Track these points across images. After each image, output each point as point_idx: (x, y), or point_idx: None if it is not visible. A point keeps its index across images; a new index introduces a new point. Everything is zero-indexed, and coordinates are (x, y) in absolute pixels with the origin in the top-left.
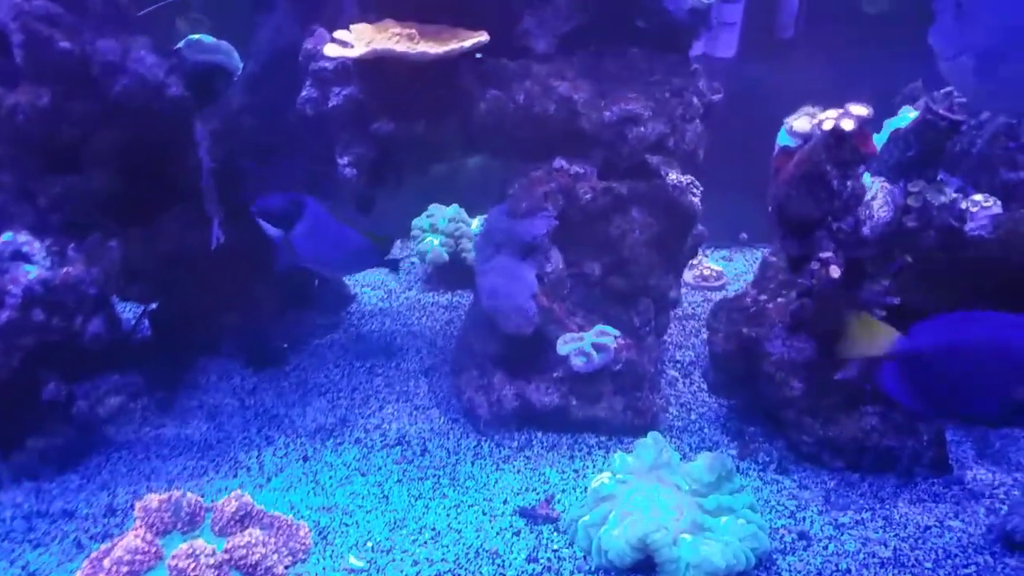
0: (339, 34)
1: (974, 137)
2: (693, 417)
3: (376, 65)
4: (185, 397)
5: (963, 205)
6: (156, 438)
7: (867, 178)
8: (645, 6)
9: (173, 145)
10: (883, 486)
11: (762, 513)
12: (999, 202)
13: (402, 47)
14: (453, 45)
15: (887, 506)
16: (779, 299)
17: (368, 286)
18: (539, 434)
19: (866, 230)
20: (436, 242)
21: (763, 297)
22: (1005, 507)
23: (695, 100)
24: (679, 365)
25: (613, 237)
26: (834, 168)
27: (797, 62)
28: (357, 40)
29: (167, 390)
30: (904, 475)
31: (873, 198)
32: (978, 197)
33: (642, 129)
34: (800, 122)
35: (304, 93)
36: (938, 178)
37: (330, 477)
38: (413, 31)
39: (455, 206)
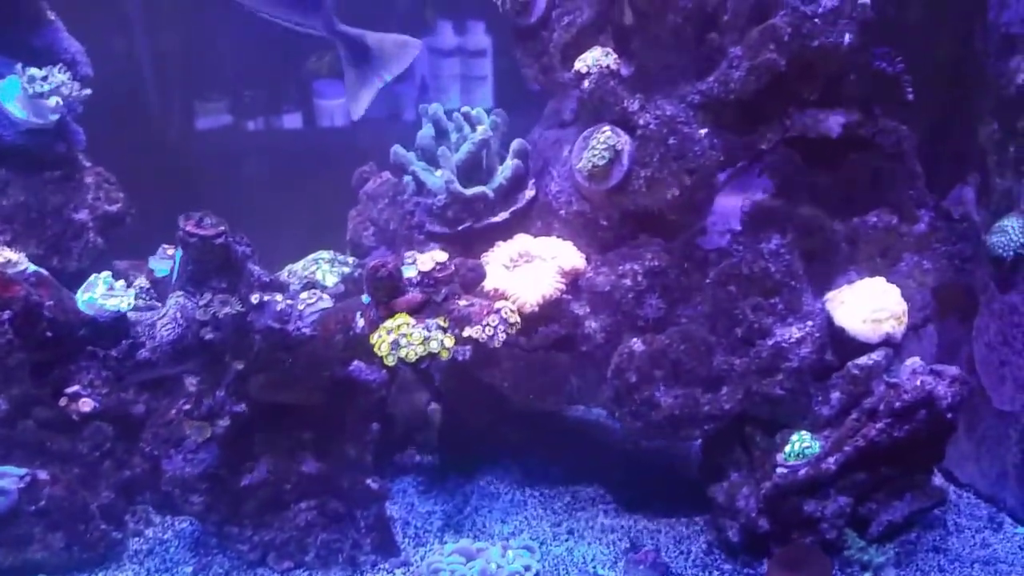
0: None
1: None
2: (168, 536)
3: None
4: None
5: (280, 307)
6: None
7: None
8: None
9: None
10: None
11: None
12: (327, 296)
13: None
14: None
15: None
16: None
17: None
18: None
19: (146, 352)
20: None
21: (187, 407)
22: None
23: (79, 215)
24: None
25: None
26: None
27: None
28: None
29: None
30: (349, 566)
31: (163, 316)
32: (304, 295)
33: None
34: None
35: None
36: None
37: None
38: None
39: None
